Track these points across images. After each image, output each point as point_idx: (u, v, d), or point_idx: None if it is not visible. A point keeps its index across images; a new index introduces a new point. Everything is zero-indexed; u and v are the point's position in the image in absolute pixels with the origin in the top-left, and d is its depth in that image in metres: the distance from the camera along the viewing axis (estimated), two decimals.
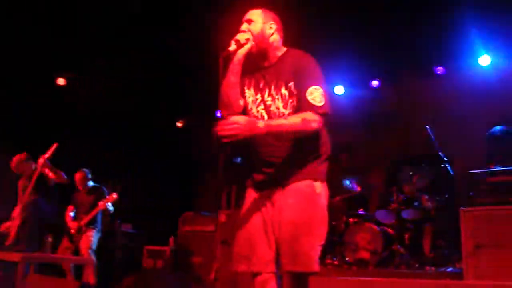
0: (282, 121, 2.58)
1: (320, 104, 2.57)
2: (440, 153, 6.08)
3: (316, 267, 2.60)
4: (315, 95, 2.58)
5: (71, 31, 6.84)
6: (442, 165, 6.00)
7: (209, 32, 5.93)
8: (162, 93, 8.76)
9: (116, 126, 8.48)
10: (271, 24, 2.77)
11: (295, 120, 2.53)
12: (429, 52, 7.15)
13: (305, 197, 2.66)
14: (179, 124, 10.29)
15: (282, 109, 2.70)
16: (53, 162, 5.25)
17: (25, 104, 7.40)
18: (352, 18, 6.61)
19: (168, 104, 9.20)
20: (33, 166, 5.09)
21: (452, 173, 6.04)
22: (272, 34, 2.76)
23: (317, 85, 2.60)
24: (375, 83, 7.99)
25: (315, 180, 2.71)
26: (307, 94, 2.58)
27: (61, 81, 8.12)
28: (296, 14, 5.32)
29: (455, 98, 7.20)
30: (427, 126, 6.12)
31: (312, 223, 2.63)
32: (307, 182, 2.69)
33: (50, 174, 5.16)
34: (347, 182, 7.07)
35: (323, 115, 2.60)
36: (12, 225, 4.98)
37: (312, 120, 2.55)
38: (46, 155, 5.02)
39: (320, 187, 2.72)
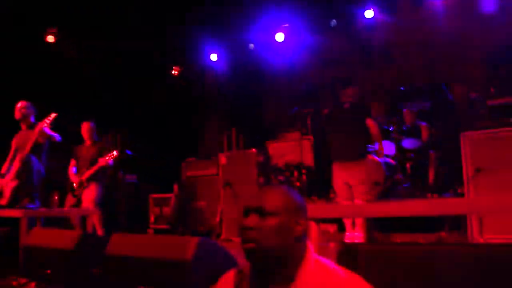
0: None
1: None
2: (438, 80, 5.94)
3: None
4: None
5: None
6: (441, 91, 5.87)
7: None
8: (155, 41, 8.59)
9: (114, 76, 8.35)
10: None
11: None
12: None
13: None
14: (174, 72, 10.18)
15: None
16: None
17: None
18: None
19: (164, 52, 9.04)
20: (33, 120, 4.95)
21: (451, 98, 5.93)
22: None
23: None
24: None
25: None
26: None
27: (50, 38, 8.16)
28: None
29: (451, 23, 6.96)
30: (422, 53, 5.94)
31: None
32: None
33: (42, 139, 5.05)
34: None
35: None
36: (3, 185, 4.94)
37: None
38: (44, 124, 4.88)
39: None
